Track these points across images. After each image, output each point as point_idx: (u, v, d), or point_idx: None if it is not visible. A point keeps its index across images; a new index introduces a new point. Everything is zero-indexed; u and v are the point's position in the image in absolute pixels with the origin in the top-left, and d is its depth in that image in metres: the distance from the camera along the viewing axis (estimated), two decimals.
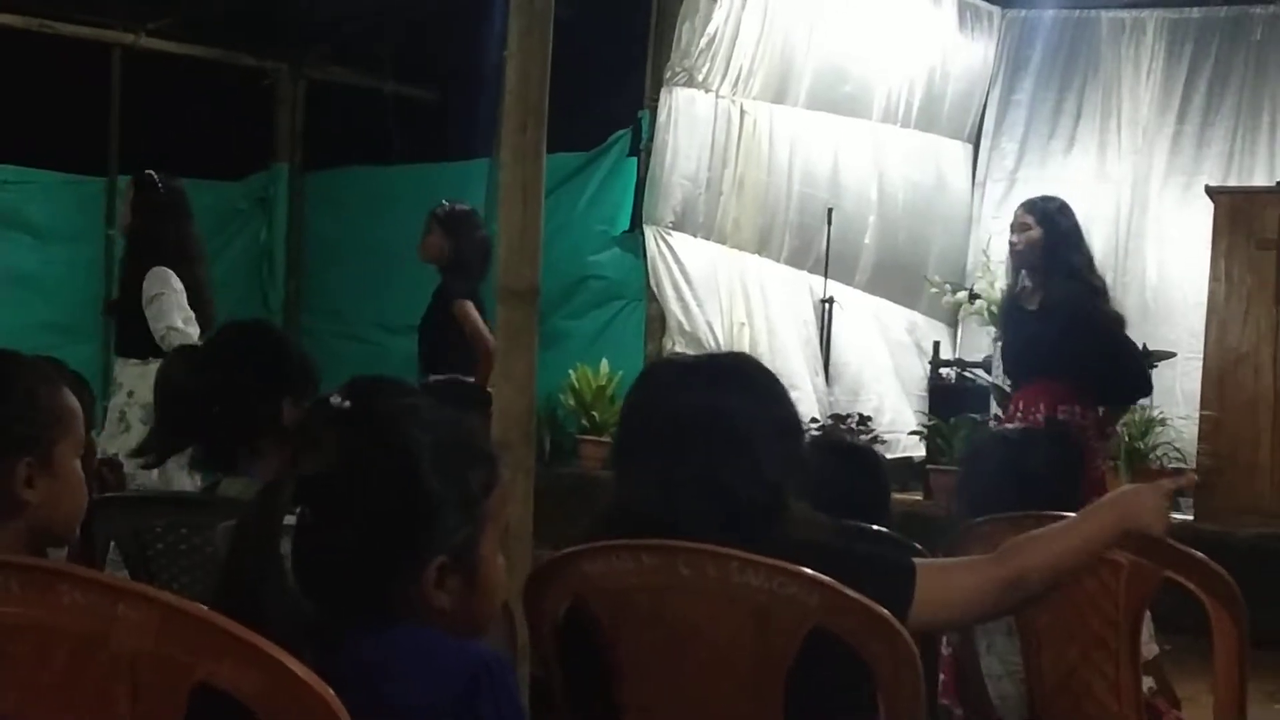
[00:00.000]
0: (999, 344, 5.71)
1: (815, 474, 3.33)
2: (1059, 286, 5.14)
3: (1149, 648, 3.16)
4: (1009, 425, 5.00)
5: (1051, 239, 5.24)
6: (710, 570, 2.13)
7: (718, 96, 9.14)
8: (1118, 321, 5.88)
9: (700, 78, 9.01)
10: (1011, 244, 5.26)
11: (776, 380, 2.44)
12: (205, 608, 1.53)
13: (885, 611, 2.09)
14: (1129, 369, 5.53)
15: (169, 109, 9.76)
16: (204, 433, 2.88)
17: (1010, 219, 5.89)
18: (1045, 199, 5.75)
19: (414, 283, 7.56)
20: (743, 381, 2.37)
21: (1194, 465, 7.58)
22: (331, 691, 1.48)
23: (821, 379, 9.50)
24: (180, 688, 1.49)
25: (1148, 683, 3.10)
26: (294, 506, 1.77)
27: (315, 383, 2.93)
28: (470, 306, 6.76)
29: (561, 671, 2.30)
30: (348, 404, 1.89)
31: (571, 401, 8.95)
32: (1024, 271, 5.28)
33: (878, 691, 2.12)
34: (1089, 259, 5.39)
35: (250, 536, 1.75)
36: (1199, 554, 2.81)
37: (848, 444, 4.27)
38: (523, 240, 3.34)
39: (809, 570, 2.10)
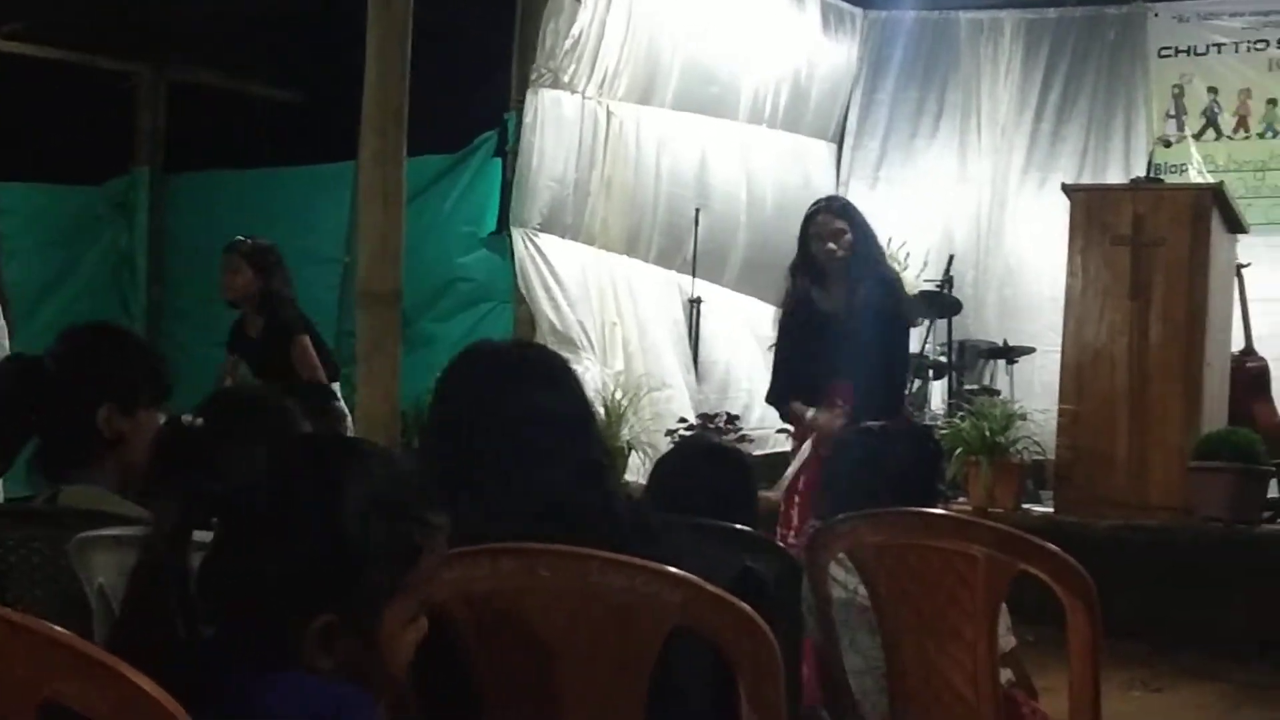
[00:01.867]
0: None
1: (683, 475, 3.37)
2: (870, 286, 5.22)
3: (1006, 640, 3.22)
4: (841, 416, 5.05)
5: (859, 236, 5.30)
6: (570, 571, 2.12)
7: (584, 98, 9.14)
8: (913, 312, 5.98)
9: (566, 79, 9.00)
10: (831, 251, 5.29)
11: (569, 367, 2.45)
12: (51, 624, 1.50)
13: (747, 607, 2.10)
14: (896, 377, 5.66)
15: (25, 113, 9.55)
16: (31, 440, 2.79)
17: (853, 218, 5.85)
18: (841, 199, 5.85)
19: None
20: (549, 370, 2.38)
21: (1054, 458, 7.72)
22: (184, 711, 1.45)
23: (692, 377, 9.56)
24: (27, 706, 1.46)
25: (1006, 674, 3.15)
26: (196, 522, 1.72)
27: (163, 388, 2.84)
28: (308, 342, 6.66)
29: (419, 679, 2.29)
30: (199, 421, 1.85)
31: None
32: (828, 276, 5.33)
33: (740, 689, 2.14)
34: (881, 248, 5.48)
35: (158, 566, 1.70)
36: (1053, 547, 2.88)
37: (713, 445, 4.29)
38: (384, 244, 3.33)
39: (672, 569, 2.11)
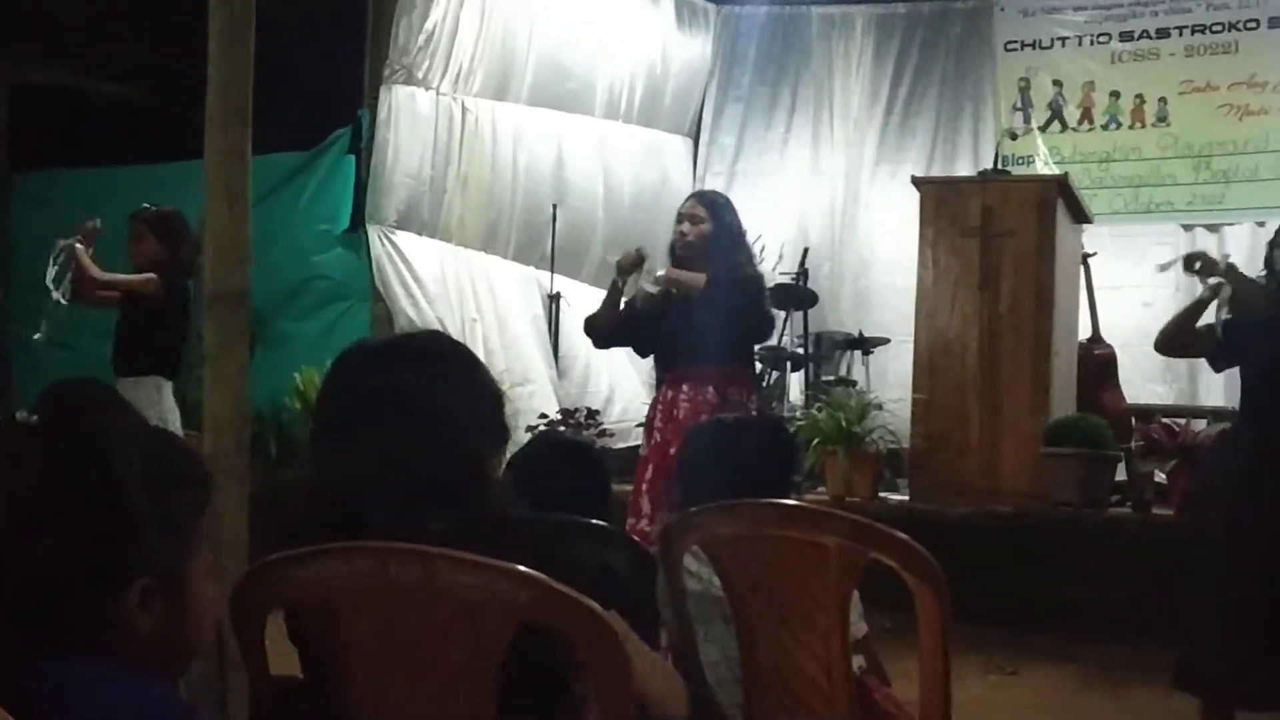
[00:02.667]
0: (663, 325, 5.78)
1: (537, 470, 3.37)
2: (724, 277, 5.24)
3: (858, 627, 3.26)
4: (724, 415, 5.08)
5: (720, 231, 5.32)
6: (419, 569, 2.11)
7: (438, 93, 9.09)
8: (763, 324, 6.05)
9: (420, 75, 8.94)
10: (682, 234, 5.32)
11: (469, 354, 2.45)
12: None
13: (594, 604, 2.10)
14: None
15: None
16: None
17: (718, 212, 5.94)
18: (714, 193, 5.88)
19: None
20: (433, 357, 2.37)
21: (909, 446, 7.83)
22: None
23: (554, 372, 9.56)
24: None
25: (858, 661, 3.19)
26: None
27: None
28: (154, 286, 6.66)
29: (274, 681, 2.27)
30: (34, 418, 1.81)
31: (298, 404, 8.80)
32: (685, 261, 5.36)
33: (589, 685, 2.14)
34: (750, 252, 5.51)
35: None
36: (902, 535, 2.91)
37: (566, 440, 4.31)
38: (230, 244, 3.27)
39: (520, 567, 2.11)
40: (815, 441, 7.64)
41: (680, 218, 5.55)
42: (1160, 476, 7.27)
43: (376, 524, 2.18)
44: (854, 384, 8.97)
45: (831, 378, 9.28)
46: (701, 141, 11.22)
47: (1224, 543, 4.37)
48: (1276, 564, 4.25)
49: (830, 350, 9.68)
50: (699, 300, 5.47)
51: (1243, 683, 4.30)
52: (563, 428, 8.13)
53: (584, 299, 10.02)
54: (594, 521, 3.07)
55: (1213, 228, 9.61)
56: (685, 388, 5.46)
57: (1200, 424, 7.41)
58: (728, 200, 5.66)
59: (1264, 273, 5.06)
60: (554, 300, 9.64)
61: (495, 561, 2.10)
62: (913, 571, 2.88)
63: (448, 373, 2.35)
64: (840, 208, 10.69)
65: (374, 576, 2.13)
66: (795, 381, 9.79)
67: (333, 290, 9.39)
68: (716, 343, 5.46)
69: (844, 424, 7.61)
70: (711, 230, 5.49)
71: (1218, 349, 4.96)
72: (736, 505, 3.11)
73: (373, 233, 8.76)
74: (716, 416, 4.82)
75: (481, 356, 7.85)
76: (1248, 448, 4.50)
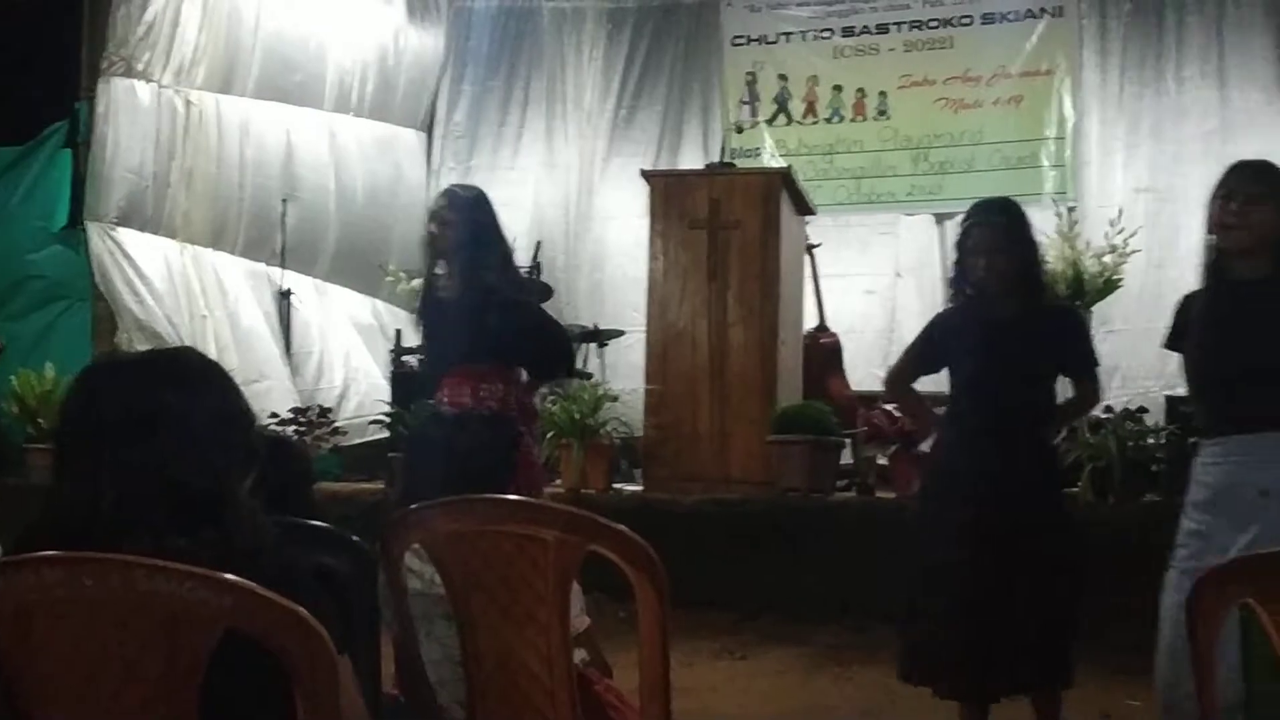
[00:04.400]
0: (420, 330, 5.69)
1: None
2: (476, 275, 5.20)
3: (580, 620, 3.29)
4: (445, 409, 5.04)
5: (471, 229, 5.28)
6: (115, 580, 2.06)
7: (160, 86, 8.87)
8: (541, 298, 6.01)
9: (140, 67, 8.71)
10: (432, 233, 5.26)
11: (219, 371, 2.43)
12: None
13: (301, 609, 2.08)
14: (557, 347, 5.66)
15: None
16: None
17: (462, 209, 5.87)
18: (465, 188, 5.79)
19: None
20: (182, 375, 2.34)
21: (641, 437, 7.92)
22: None
23: (287, 369, 9.41)
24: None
25: (580, 654, 3.22)
26: None
27: None
28: None
29: None
30: None
31: (15, 409, 8.48)
32: (441, 260, 5.29)
33: (295, 692, 2.12)
34: (507, 251, 5.46)
35: None
36: (620, 526, 2.94)
37: (270, 438, 4.24)
38: None
39: (221, 574, 2.07)
40: (550, 435, 7.67)
41: (430, 216, 5.48)
42: (883, 460, 7.49)
43: (117, 540, 2.14)
44: (589, 376, 9.02)
45: None
46: (436, 135, 11.16)
47: (943, 536, 4.53)
48: (991, 555, 4.42)
49: None
50: (452, 305, 5.37)
51: (978, 672, 4.45)
52: (293, 427, 8.01)
53: (318, 294, 9.90)
54: (314, 523, 3.03)
55: (940, 218, 9.87)
56: (448, 392, 5.35)
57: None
58: (480, 196, 5.57)
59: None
60: (285, 296, 9.48)
61: (196, 569, 2.06)
62: (631, 562, 2.91)
63: (195, 391, 2.33)
64: (574, 200, 10.76)
65: (67, 588, 2.07)
66: None
67: (50, 289, 9.09)
68: (467, 344, 5.34)
69: (577, 416, 7.66)
70: (460, 227, 5.41)
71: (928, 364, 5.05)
72: (455, 502, 3.10)
73: (92, 230, 8.50)
74: (438, 412, 4.80)
75: (213, 354, 7.70)
76: (958, 447, 4.66)
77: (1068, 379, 4.77)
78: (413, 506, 3.14)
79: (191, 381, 2.35)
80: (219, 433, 2.31)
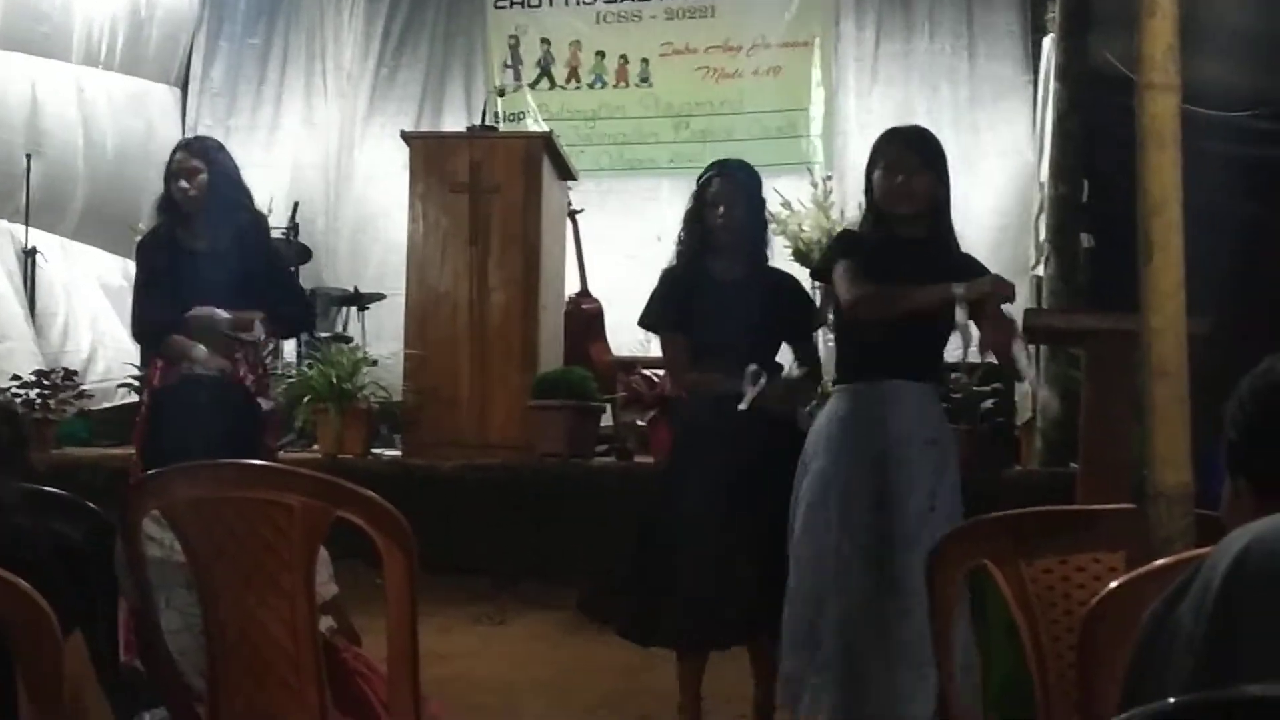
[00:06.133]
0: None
1: None
2: (227, 222, 5.08)
3: (328, 588, 3.24)
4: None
5: (218, 178, 5.15)
6: None
7: None
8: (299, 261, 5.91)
9: None
10: (184, 189, 5.11)
11: None
12: None
13: (21, 582, 2.00)
14: (296, 303, 5.61)
15: None
16: None
17: (212, 159, 5.67)
18: (203, 139, 5.68)
19: None
20: None
21: (401, 401, 7.84)
22: None
23: (33, 330, 9.08)
24: None
25: (327, 622, 3.17)
26: None
27: None
28: None
29: None
30: None
31: None
32: (191, 215, 5.15)
33: (15, 668, 2.04)
34: (249, 192, 5.35)
35: None
36: (367, 492, 2.90)
37: None
38: None
39: None
40: (306, 399, 7.55)
41: (175, 173, 5.29)
42: (642, 424, 7.54)
43: None
44: (349, 340, 8.89)
45: (327, 334, 9.16)
46: (192, 92, 10.84)
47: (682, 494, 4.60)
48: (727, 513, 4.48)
49: (326, 306, 9.54)
50: (204, 258, 5.21)
51: (711, 627, 4.52)
52: (36, 390, 7.74)
53: (65, 254, 9.55)
54: (48, 489, 2.93)
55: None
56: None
57: None
58: (219, 144, 5.44)
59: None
60: (30, 255, 9.13)
61: None
62: (378, 528, 2.88)
63: None
64: (335, 161, 10.56)
65: None
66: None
67: None
68: (226, 298, 5.20)
69: (335, 380, 7.55)
70: (209, 179, 5.26)
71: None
72: (197, 467, 3.03)
73: None
74: (182, 376, 4.66)
75: None
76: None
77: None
78: (152, 471, 3.06)
79: None
80: None
